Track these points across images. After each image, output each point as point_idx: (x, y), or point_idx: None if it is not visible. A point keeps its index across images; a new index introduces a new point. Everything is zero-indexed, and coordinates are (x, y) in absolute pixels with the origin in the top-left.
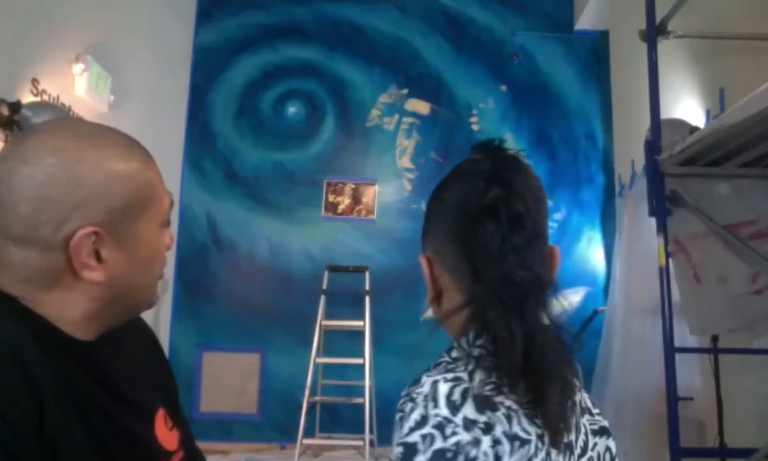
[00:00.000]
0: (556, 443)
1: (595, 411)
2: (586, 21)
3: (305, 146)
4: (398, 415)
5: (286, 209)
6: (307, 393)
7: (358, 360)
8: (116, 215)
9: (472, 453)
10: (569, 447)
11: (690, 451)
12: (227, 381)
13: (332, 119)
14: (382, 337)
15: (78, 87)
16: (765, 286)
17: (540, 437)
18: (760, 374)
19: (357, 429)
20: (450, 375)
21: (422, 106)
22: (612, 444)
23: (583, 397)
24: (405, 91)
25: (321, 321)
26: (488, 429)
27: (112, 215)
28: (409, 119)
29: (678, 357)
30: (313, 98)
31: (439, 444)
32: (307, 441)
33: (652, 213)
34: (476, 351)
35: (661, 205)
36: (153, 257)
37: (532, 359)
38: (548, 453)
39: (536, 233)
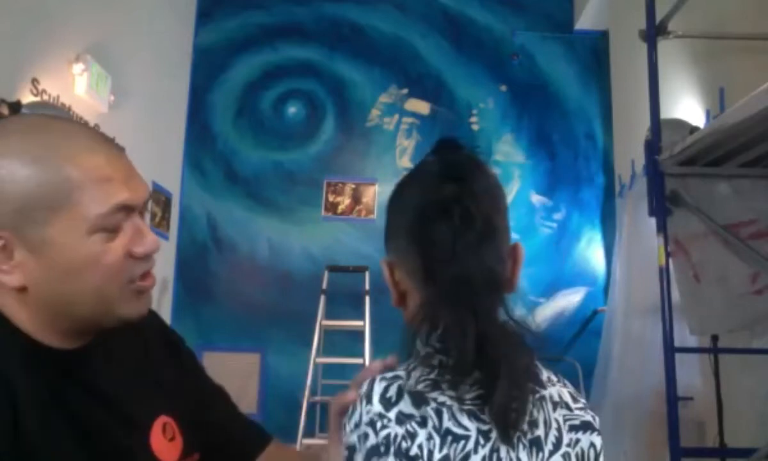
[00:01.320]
0: (506, 438)
1: (577, 405)
2: (586, 21)
3: (305, 146)
4: (345, 419)
5: (286, 209)
6: (307, 392)
7: (358, 360)
8: (17, 218)
9: (404, 445)
10: (536, 443)
11: (690, 451)
12: (227, 381)
13: (332, 119)
14: (382, 337)
15: (78, 87)
16: (765, 286)
17: (484, 433)
18: (760, 374)
19: None
20: (389, 374)
21: (422, 106)
22: (597, 439)
23: (560, 391)
24: (405, 91)
25: (321, 321)
26: (423, 423)
27: (13, 217)
28: (409, 119)
29: (678, 356)
30: (313, 98)
31: (371, 440)
32: (307, 441)
33: (652, 213)
34: (424, 350)
35: (661, 205)
36: (80, 265)
37: (484, 355)
38: (495, 449)
39: (490, 231)
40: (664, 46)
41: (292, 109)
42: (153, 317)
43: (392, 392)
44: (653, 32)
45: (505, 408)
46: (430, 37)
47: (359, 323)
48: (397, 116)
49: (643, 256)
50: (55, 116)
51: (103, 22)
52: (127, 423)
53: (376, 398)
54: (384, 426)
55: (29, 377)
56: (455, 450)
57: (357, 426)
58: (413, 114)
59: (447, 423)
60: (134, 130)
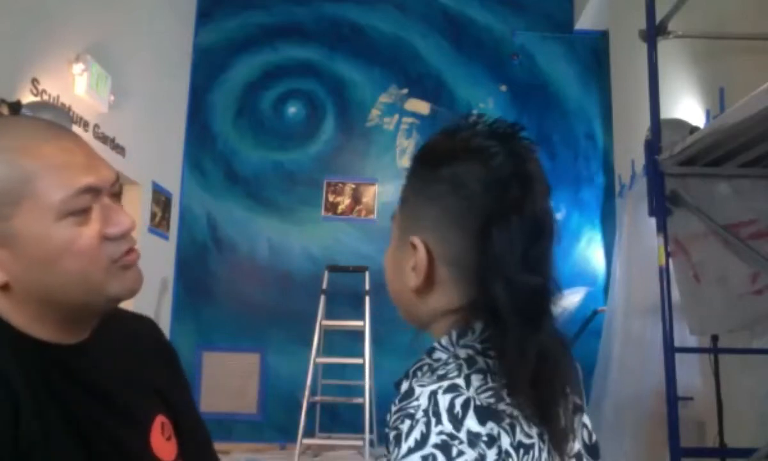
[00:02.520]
0: (560, 451)
1: (567, 390)
2: (586, 21)
3: (305, 146)
4: (392, 433)
5: (286, 209)
6: (307, 392)
7: (358, 360)
8: None
9: None
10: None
11: (690, 451)
12: (227, 380)
13: (332, 119)
14: (381, 337)
15: (78, 87)
16: (765, 286)
17: (540, 435)
18: (760, 374)
19: (357, 428)
20: (446, 384)
21: (422, 106)
22: (587, 419)
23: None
24: (405, 91)
25: (321, 321)
26: (491, 441)
27: None
28: (409, 119)
29: (678, 356)
30: (313, 98)
31: None
32: (307, 441)
33: (652, 213)
34: (462, 352)
35: (661, 205)
36: (55, 253)
37: (542, 373)
38: (549, 450)
39: (556, 238)
40: (664, 46)
41: (292, 109)
42: (151, 324)
43: (458, 407)
44: (653, 32)
45: (564, 429)
46: (430, 37)
47: (359, 323)
48: (397, 116)
49: (643, 256)
50: (6, 116)
51: (103, 22)
52: (126, 420)
53: (444, 416)
54: (460, 453)
55: (26, 374)
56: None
57: (419, 445)
58: (413, 114)
59: (519, 435)
60: (134, 130)
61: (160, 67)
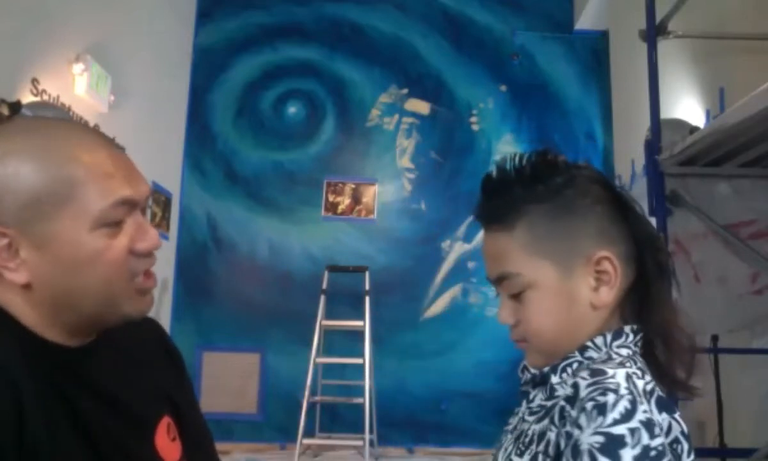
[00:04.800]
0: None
1: None
2: (586, 21)
3: (305, 146)
4: (590, 403)
5: (286, 209)
6: (307, 392)
7: (358, 360)
8: (22, 215)
9: (666, 458)
10: None
11: None
12: (227, 381)
13: (332, 119)
14: (381, 337)
15: (78, 87)
16: (765, 286)
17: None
18: (760, 374)
19: (357, 428)
20: (632, 369)
21: (422, 106)
22: None
23: None
24: (405, 91)
25: (321, 321)
26: (667, 431)
27: (18, 214)
28: (409, 119)
29: None
30: (313, 98)
31: (646, 440)
32: (307, 441)
33: (652, 213)
34: (624, 351)
35: (661, 205)
36: (84, 261)
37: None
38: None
39: None
40: (664, 46)
41: (292, 109)
42: (154, 325)
43: (648, 392)
44: (653, 32)
45: None
46: (430, 37)
47: (359, 323)
48: (397, 116)
49: None
50: (56, 117)
51: (103, 22)
52: (132, 421)
53: (644, 397)
54: (658, 434)
55: (33, 374)
56: (690, 448)
57: (625, 418)
58: (413, 114)
59: (684, 425)
60: (134, 130)
61: (160, 67)
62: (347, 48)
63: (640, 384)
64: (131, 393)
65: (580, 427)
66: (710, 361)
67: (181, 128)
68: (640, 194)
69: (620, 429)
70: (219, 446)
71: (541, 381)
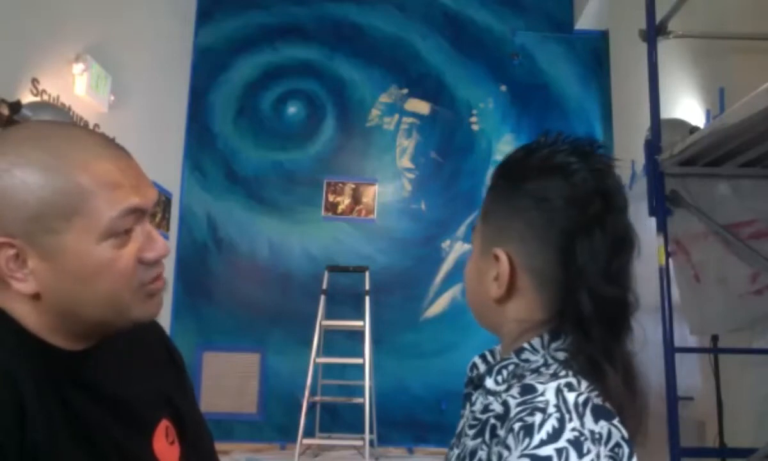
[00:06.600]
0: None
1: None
2: (586, 21)
3: (305, 146)
4: (517, 425)
5: (286, 209)
6: (307, 393)
7: (358, 360)
8: (29, 227)
9: None
10: None
11: (690, 451)
12: (227, 381)
13: (332, 119)
14: (381, 337)
15: (78, 87)
16: (765, 286)
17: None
18: (760, 374)
19: (357, 428)
20: (564, 381)
21: (422, 106)
22: None
23: None
24: (405, 91)
25: (321, 321)
26: (606, 439)
27: (25, 226)
28: (409, 119)
29: (678, 356)
30: (313, 98)
31: (574, 459)
32: (307, 441)
33: (652, 213)
34: (560, 355)
35: (661, 205)
36: (92, 272)
37: (630, 387)
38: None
39: (636, 252)
40: (664, 46)
41: (292, 110)
42: (156, 326)
43: (581, 404)
44: (653, 32)
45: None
46: (430, 37)
47: (359, 323)
48: (397, 116)
49: (643, 256)
50: (63, 122)
51: (103, 22)
52: (130, 425)
53: (574, 412)
54: (588, 451)
55: (35, 377)
56: (632, 453)
57: (552, 438)
58: (413, 114)
59: (624, 431)
60: (134, 130)
61: (160, 67)
62: (347, 48)
63: (571, 397)
64: (131, 395)
65: (508, 448)
66: (710, 361)
67: (181, 128)
68: (640, 194)
69: (547, 451)
70: (219, 446)
71: (480, 383)
